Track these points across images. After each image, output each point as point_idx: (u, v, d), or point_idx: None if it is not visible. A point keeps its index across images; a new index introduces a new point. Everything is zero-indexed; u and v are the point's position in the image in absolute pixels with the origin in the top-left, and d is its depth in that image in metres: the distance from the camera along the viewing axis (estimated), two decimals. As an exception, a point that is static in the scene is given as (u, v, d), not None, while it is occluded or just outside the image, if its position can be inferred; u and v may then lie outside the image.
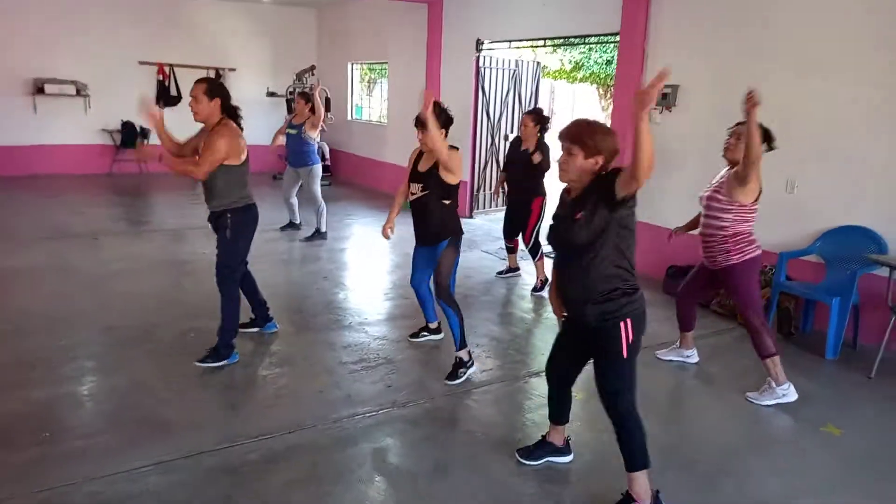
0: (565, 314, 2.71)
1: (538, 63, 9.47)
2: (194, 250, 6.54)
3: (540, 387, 3.78)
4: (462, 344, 3.86)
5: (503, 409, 3.59)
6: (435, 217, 3.83)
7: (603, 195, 2.36)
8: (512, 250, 6.04)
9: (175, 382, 3.67)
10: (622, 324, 2.47)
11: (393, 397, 3.61)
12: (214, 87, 3.76)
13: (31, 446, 2.98)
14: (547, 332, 4.78)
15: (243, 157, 3.81)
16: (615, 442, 2.65)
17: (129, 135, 10.93)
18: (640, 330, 2.54)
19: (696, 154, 5.64)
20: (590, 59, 13.60)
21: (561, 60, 14.59)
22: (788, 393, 3.77)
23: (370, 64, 11.81)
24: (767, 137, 3.66)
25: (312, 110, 6.93)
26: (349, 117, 11.92)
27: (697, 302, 4.33)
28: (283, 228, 7.50)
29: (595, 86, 16.27)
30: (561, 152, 2.48)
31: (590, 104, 18.94)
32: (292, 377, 3.84)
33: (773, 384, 3.77)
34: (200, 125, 3.84)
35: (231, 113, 3.81)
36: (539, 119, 5.59)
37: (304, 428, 3.25)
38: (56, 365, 3.80)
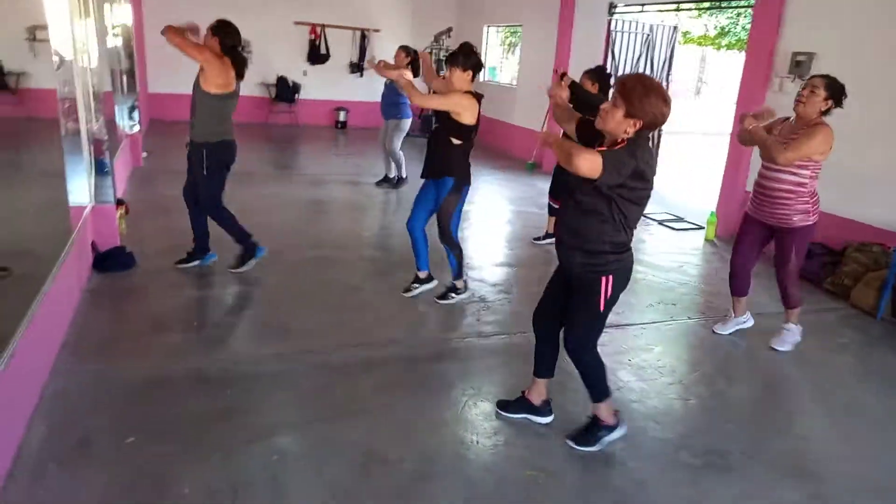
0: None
1: (675, 28, 9.20)
2: (329, 194, 7.26)
3: (620, 336, 4.00)
4: (458, 275, 4.24)
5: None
6: (441, 152, 3.97)
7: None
8: (554, 211, 5.74)
9: (296, 297, 4.28)
10: (603, 278, 2.57)
11: (480, 329, 3.98)
12: (218, 25, 4.03)
13: (182, 331, 3.69)
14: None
15: (226, 90, 4.05)
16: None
17: (283, 89, 11.99)
18: (621, 287, 2.64)
19: (836, 123, 5.38)
20: (737, 24, 12.83)
21: (705, 26, 13.87)
22: (798, 330, 4.01)
23: (506, 27, 11.98)
24: (838, 97, 3.54)
25: (411, 67, 6.83)
26: (482, 78, 12.22)
27: (755, 263, 4.08)
28: (377, 183, 7.72)
29: (742, 52, 15.30)
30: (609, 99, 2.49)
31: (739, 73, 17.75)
32: (395, 304, 4.32)
33: (791, 326, 4.00)
34: None
35: (232, 54, 4.05)
36: (599, 77, 5.30)
37: (400, 343, 3.72)
38: (205, 275, 4.55)
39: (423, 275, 4.41)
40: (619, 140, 2.45)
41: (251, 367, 3.32)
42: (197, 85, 4.09)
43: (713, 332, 4.15)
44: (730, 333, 4.13)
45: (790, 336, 3.99)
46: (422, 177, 4.17)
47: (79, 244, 3.95)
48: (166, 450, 2.61)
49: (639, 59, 8.80)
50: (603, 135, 2.54)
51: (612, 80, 5.38)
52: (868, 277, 4.75)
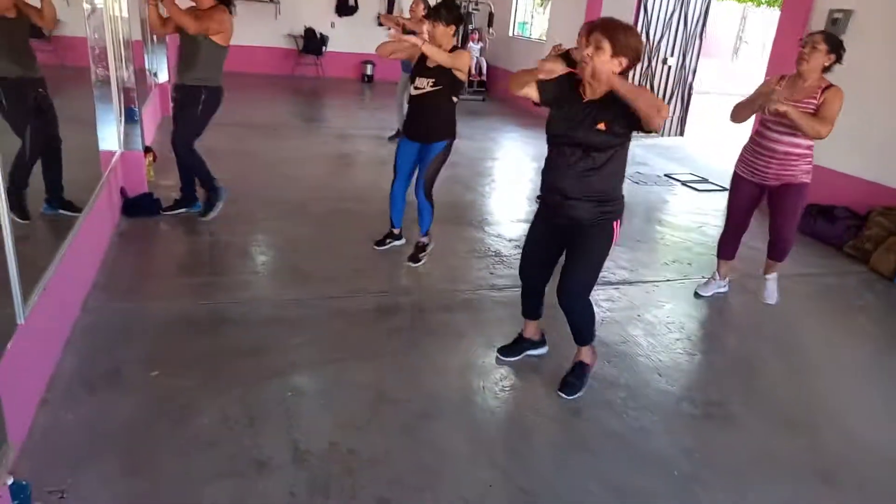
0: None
1: (712, -17, 8.91)
2: (355, 148, 7.33)
3: (632, 293, 4.05)
4: (427, 231, 4.20)
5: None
6: (442, 114, 3.88)
7: (629, 115, 2.40)
8: None
9: (318, 246, 4.40)
10: (615, 222, 2.65)
11: (492, 282, 4.06)
12: None
13: (206, 274, 3.85)
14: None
15: (229, 41, 4.24)
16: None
17: (311, 41, 11.97)
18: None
19: (864, 89, 5.23)
20: (778, -20, 12.38)
21: (746, -19, 13.40)
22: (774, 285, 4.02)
23: (539, -20, 11.71)
24: (838, 51, 3.50)
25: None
26: (510, 33, 12.02)
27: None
28: (390, 138, 7.56)
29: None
30: (587, 46, 2.42)
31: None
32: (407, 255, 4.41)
33: (768, 277, 4.01)
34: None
35: (225, 1, 4.16)
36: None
37: (413, 293, 3.83)
38: (231, 223, 4.67)
39: (397, 231, 4.46)
40: (606, 88, 2.44)
41: (271, 310, 3.46)
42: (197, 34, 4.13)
43: (696, 294, 4.12)
44: (711, 296, 4.13)
45: (773, 284, 4.01)
46: (413, 139, 4.00)
47: (108, 189, 4.10)
48: (188, 383, 2.76)
49: (671, 14, 8.58)
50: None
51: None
52: (889, 242, 4.69)
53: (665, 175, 7.26)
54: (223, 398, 2.68)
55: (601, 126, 2.47)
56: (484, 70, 11.62)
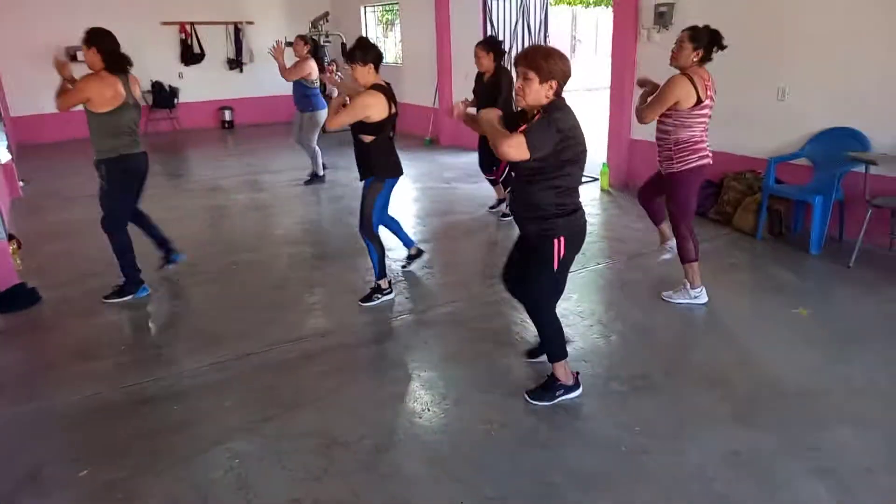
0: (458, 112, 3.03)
1: (546, -9, 9.54)
2: (228, 197, 7.11)
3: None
4: (381, 274, 4.15)
5: (502, 310, 4.06)
6: (358, 152, 4.01)
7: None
8: (494, 182, 6.07)
9: (221, 305, 4.25)
10: (555, 240, 2.75)
11: (409, 306, 4.13)
12: (91, 36, 3.85)
13: (109, 356, 3.60)
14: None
15: (115, 105, 3.89)
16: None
17: (160, 94, 11.47)
18: (574, 247, 2.84)
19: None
20: (601, -18, 13.52)
21: (572, -14, 14.50)
22: (700, 295, 3.99)
23: (384, 6, 11.98)
24: (716, 40, 3.70)
25: (314, 55, 7.09)
26: (366, 61, 12.18)
27: (655, 200, 4.29)
28: (306, 182, 7.55)
29: (610, 9, 16.08)
30: (517, 78, 2.65)
31: (608, 29, 18.58)
32: (322, 295, 4.39)
33: (688, 286, 4.01)
34: None
35: (114, 61, 3.89)
36: (492, 47, 5.50)
37: (334, 333, 3.80)
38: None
39: (413, 251, 4.68)
40: (536, 111, 2.65)
41: (191, 380, 3.31)
42: (83, 106, 3.92)
43: (662, 299, 4.15)
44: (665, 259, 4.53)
45: (683, 294, 4.03)
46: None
47: (-23, 286, 3.74)
48: (123, 474, 2.59)
49: (516, 24, 9.09)
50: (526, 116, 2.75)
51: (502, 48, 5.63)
52: (745, 202, 5.28)
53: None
54: (166, 481, 2.54)
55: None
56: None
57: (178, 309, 4.25)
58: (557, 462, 2.60)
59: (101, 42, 3.89)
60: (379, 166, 4.02)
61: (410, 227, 5.84)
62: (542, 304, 2.96)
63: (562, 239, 2.77)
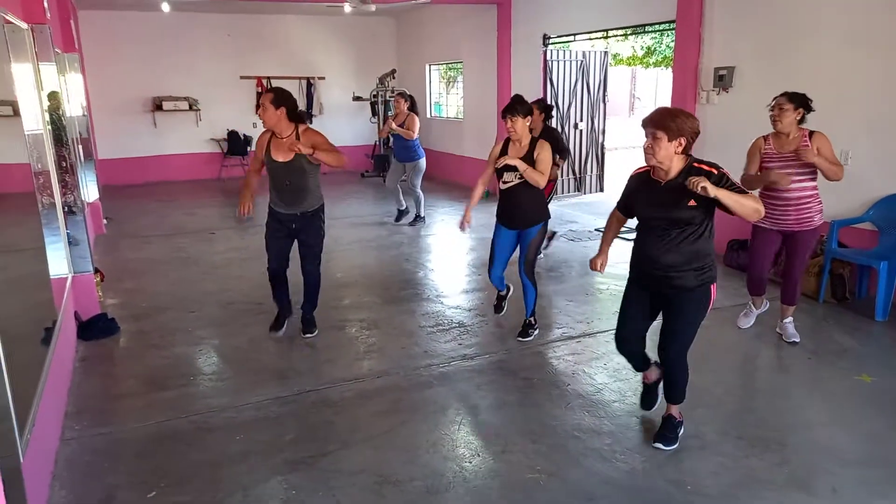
0: (601, 268, 3.18)
1: (606, 52, 9.79)
2: (360, 233, 7.54)
3: (594, 344, 4.29)
4: (533, 312, 4.44)
5: (552, 361, 4.11)
6: (525, 199, 4.16)
7: (705, 198, 2.69)
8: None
9: (284, 342, 4.45)
10: (712, 286, 2.91)
11: (463, 352, 4.22)
12: (277, 97, 4.01)
13: (178, 387, 3.81)
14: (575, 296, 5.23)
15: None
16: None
17: (235, 142, 12.16)
18: None
19: (756, 133, 5.86)
20: (661, 43, 13.71)
21: (633, 47, 14.74)
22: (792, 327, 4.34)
23: (447, 64, 12.47)
24: (805, 104, 4.06)
25: (413, 109, 7.82)
26: (429, 115, 12.64)
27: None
28: (396, 220, 8.22)
29: (669, 69, 16.29)
30: (646, 138, 2.80)
31: (668, 88, 18.78)
32: (379, 337, 4.53)
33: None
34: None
35: (298, 119, 4.11)
36: (544, 108, 5.87)
37: (390, 374, 3.92)
38: (191, 330, 4.67)
39: (504, 292, 4.72)
40: (678, 165, 2.80)
41: (253, 412, 3.47)
42: (303, 158, 4.05)
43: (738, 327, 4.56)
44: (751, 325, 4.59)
45: (792, 327, 4.34)
46: (510, 227, 4.29)
47: (66, 315, 4.04)
48: (187, 498, 2.74)
49: (575, 84, 9.33)
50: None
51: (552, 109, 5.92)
52: (809, 265, 5.18)
53: (595, 230, 7.72)
54: (227, 507, 2.67)
55: (692, 203, 2.76)
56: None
57: (242, 343, 4.46)
58: (606, 515, 2.61)
59: (287, 101, 4.05)
60: (546, 212, 4.31)
61: (465, 277, 5.99)
62: (685, 351, 3.06)
63: (714, 285, 2.93)
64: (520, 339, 4.39)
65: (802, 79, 5.52)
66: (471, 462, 3.00)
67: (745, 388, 3.73)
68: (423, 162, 7.94)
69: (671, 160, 2.78)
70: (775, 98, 4.19)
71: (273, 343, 4.44)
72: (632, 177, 3.08)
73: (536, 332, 4.47)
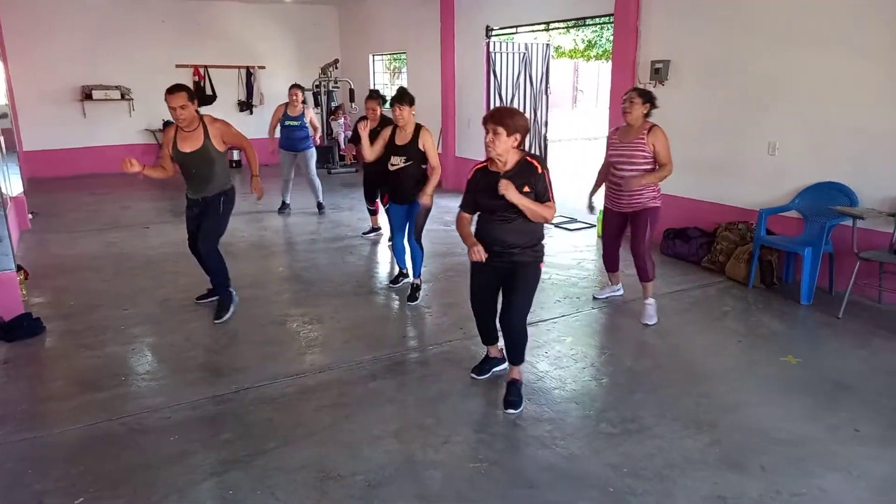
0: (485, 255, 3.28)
1: (548, 45, 9.89)
2: (233, 233, 7.22)
3: (534, 332, 4.35)
4: (419, 274, 5.03)
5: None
6: (406, 178, 4.75)
7: (534, 185, 3.16)
8: (373, 212, 7.03)
9: (221, 339, 4.34)
10: (541, 264, 3.36)
11: (407, 344, 4.20)
12: (193, 91, 4.43)
13: (110, 387, 3.66)
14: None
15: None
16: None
17: (170, 133, 11.77)
18: None
19: (689, 125, 6.05)
20: (602, 37, 13.96)
21: (574, 40, 14.96)
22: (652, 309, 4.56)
23: (391, 54, 12.37)
24: (651, 100, 4.39)
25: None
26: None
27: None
28: (279, 210, 8.35)
29: (609, 62, 16.66)
30: (486, 134, 3.14)
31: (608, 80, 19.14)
32: (322, 331, 4.47)
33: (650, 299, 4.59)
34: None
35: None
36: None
37: (333, 369, 3.87)
38: (124, 328, 4.50)
39: (406, 271, 5.34)
40: (514, 159, 3.21)
41: (189, 412, 3.37)
42: (211, 147, 4.43)
43: (593, 297, 5.00)
44: (605, 298, 4.98)
45: (652, 309, 4.55)
46: (401, 203, 4.88)
47: (-14, 315, 3.83)
48: (120, 502, 2.64)
49: (518, 75, 9.39)
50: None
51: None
52: (738, 252, 5.39)
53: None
54: (161, 510, 2.59)
55: (526, 189, 3.14)
56: (342, 143, 11.95)
57: (177, 341, 4.32)
58: (546, 501, 2.64)
59: (195, 94, 4.53)
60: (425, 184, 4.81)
61: (410, 269, 5.95)
62: (526, 317, 3.37)
63: (543, 263, 3.37)
64: (409, 302, 4.90)
65: (735, 73, 5.73)
66: (413, 454, 2.99)
67: (679, 371, 3.84)
68: (314, 149, 8.17)
69: (508, 153, 3.17)
70: (627, 92, 4.49)
71: (210, 340, 4.32)
72: (474, 173, 3.37)
73: (421, 293, 4.97)
